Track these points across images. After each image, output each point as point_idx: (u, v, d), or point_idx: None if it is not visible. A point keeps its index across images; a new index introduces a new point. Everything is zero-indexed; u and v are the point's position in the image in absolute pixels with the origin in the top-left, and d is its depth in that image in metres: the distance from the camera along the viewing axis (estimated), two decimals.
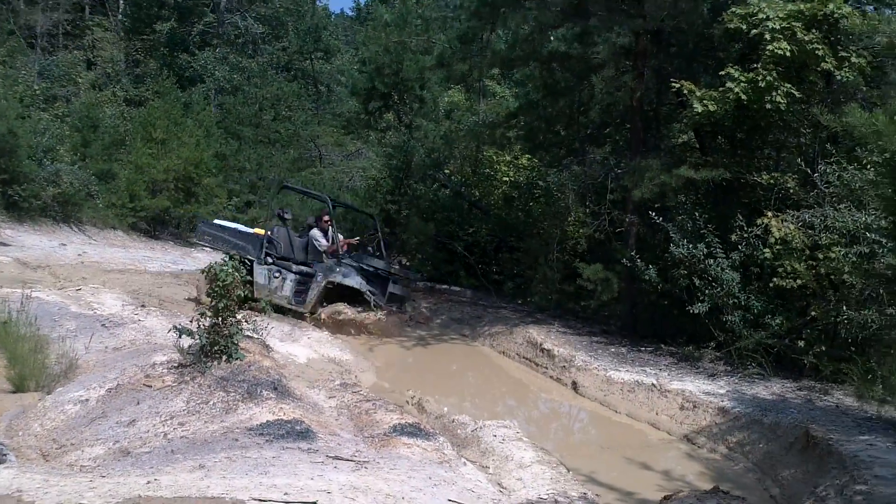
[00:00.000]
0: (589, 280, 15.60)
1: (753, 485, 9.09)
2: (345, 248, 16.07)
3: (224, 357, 8.84)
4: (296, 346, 12.76)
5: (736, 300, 12.73)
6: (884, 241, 11.08)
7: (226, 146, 28.66)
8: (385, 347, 15.04)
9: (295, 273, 15.60)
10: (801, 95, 13.27)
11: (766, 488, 8.97)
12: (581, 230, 17.71)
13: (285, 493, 5.19)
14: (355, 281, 15.36)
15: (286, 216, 16.89)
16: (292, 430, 7.15)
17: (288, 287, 15.45)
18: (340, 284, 15.46)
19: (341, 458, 6.42)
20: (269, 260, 15.58)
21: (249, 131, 30.49)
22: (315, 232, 16.59)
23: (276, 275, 15.46)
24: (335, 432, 7.59)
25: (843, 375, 10.96)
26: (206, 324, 8.90)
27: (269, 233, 16.11)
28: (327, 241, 16.41)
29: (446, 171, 22.75)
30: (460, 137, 22.69)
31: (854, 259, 11.51)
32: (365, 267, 15.62)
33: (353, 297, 15.50)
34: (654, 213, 14.18)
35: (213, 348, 8.82)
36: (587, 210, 17.93)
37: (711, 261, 12.98)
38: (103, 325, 11.37)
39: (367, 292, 15.23)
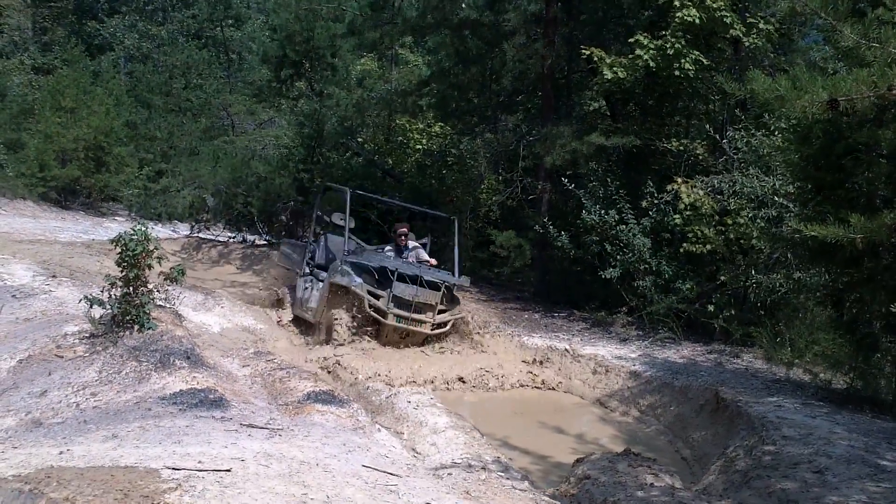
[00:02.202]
0: (502, 247, 15.64)
1: (665, 446, 9.21)
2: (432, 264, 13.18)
3: (136, 327, 8.70)
4: (209, 316, 12.54)
5: (647, 266, 12.88)
6: (790, 205, 11.29)
7: (136, 115, 28.02)
8: (300, 319, 14.86)
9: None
10: (710, 63, 13.42)
11: (678, 450, 9.10)
12: (494, 197, 17.70)
13: (199, 462, 5.09)
14: (351, 281, 12.27)
15: (338, 222, 13.71)
16: (206, 398, 7.03)
17: (315, 297, 13.07)
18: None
19: (255, 426, 6.32)
20: (307, 270, 13.71)
21: (160, 100, 29.81)
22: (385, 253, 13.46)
23: (307, 285, 13.35)
24: (249, 400, 7.50)
25: (752, 339, 11.16)
26: (118, 293, 8.75)
27: (312, 242, 14.26)
28: (402, 259, 13.21)
29: (359, 140, 22.53)
30: (373, 105, 22.47)
31: (762, 224, 11.72)
32: (371, 264, 12.48)
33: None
34: (566, 180, 14.22)
35: (124, 318, 8.67)
36: (500, 177, 17.94)
37: (623, 227, 13.10)
38: (13, 295, 11.03)
39: (367, 296, 12.00)
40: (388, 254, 13.25)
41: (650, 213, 13.14)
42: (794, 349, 9.84)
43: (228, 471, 5.03)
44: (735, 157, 13.05)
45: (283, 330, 13.41)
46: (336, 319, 12.10)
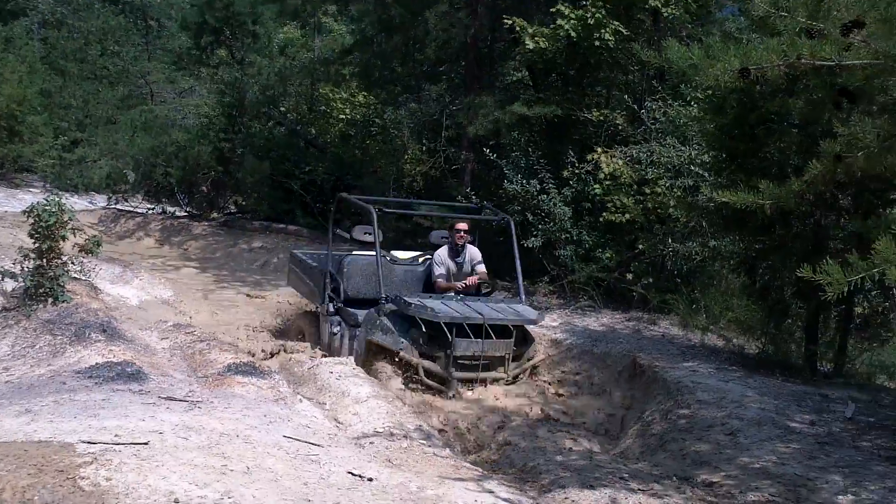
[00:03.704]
0: (425, 217, 15.64)
1: (585, 412, 9.33)
2: (469, 284, 10.50)
3: (50, 300, 8.67)
4: (127, 288, 12.37)
5: (568, 235, 13.00)
6: (706, 174, 11.51)
7: (50, 83, 27.31)
8: (221, 291, 14.77)
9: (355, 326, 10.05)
10: (629, 33, 13.55)
11: (597, 415, 9.24)
12: (417, 167, 17.68)
13: (116, 435, 5.07)
14: (396, 343, 9.16)
15: (363, 237, 10.78)
16: (123, 371, 6.98)
17: (346, 348, 10.10)
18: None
19: (174, 399, 6.31)
20: (331, 308, 10.46)
21: (75, 67, 29.13)
22: (438, 255, 10.71)
23: (335, 329, 10.29)
24: (168, 373, 7.47)
25: (669, 306, 11.35)
26: (31, 266, 8.62)
27: (330, 267, 10.75)
28: (455, 266, 10.70)
29: (282, 109, 22.32)
30: (295, 74, 22.28)
31: (678, 193, 11.93)
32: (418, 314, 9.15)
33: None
34: (488, 150, 14.28)
35: (38, 291, 8.64)
36: (423, 147, 17.93)
37: (544, 196, 13.18)
38: None
39: (421, 362, 9.05)
40: (439, 267, 10.49)
41: (571, 182, 13.25)
42: (708, 315, 10.05)
43: (146, 444, 5.02)
44: (653, 127, 13.23)
45: (206, 300, 13.30)
46: (381, 372, 9.17)
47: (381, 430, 7.05)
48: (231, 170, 20.78)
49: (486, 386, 9.16)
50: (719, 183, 9.36)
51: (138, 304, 11.70)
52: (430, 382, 9.00)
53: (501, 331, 9.24)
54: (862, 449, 6.81)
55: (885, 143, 5.37)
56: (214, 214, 21.10)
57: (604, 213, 12.72)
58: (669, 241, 12.07)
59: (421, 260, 11.38)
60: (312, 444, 5.88)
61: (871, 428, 7.39)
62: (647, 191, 12.53)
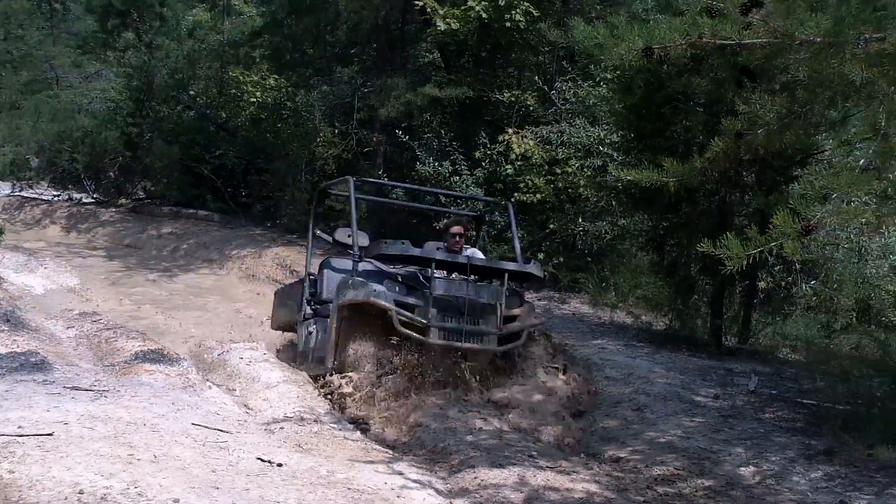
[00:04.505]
0: (338, 200, 15.54)
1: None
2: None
3: None
4: (32, 277, 12.14)
5: None
6: (614, 154, 11.66)
7: None
8: (129, 279, 14.52)
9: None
10: (540, 14, 13.62)
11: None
12: (330, 151, 17.52)
13: (19, 427, 4.96)
14: (369, 292, 7.81)
15: (345, 240, 9.02)
16: (27, 361, 6.85)
17: (324, 339, 8.53)
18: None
19: (80, 388, 6.20)
20: (309, 311, 9.10)
21: None
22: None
23: (311, 328, 8.88)
24: (73, 362, 7.34)
25: (580, 284, 11.49)
26: None
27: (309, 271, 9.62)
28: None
29: (191, 93, 21.97)
30: (204, 57, 21.92)
31: (588, 173, 12.07)
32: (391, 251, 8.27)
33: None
34: (400, 132, 14.29)
35: None
36: (335, 130, 17.78)
37: (457, 178, 13.22)
38: None
39: (394, 308, 7.62)
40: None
41: (483, 163, 13.31)
42: (618, 293, 10.23)
43: (51, 435, 4.91)
44: (563, 107, 13.35)
45: (111, 291, 13.03)
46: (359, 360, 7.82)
47: (291, 415, 7.01)
48: (139, 155, 20.42)
49: (478, 341, 7.72)
50: (627, 162, 9.50)
51: (43, 292, 11.50)
52: (405, 332, 7.55)
53: (490, 277, 8.19)
54: (764, 421, 7.01)
55: (783, 120, 5.49)
56: (123, 200, 20.72)
57: (516, 194, 12.79)
58: (580, 220, 12.22)
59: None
60: (221, 430, 5.81)
61: (774, 400, 7.61)
62: (558, 171, 12.65)
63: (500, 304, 7.74)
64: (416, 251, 8.13)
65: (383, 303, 7.60)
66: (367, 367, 7.61)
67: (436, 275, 7.83)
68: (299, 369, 8.45)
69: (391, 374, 7.63)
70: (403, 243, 8.37)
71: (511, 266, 8.10)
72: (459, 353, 7.61)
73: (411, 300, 7.80)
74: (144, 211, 19.72)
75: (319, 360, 8.30)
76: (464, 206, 11.59)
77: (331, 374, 7.94)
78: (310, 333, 8.85)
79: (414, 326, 7.56)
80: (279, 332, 10.18)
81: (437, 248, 8.78)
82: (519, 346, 7.84)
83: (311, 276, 9.34)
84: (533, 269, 8.23)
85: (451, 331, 7.64)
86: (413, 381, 7.58)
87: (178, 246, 17.45)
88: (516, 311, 7.98)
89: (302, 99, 18.24)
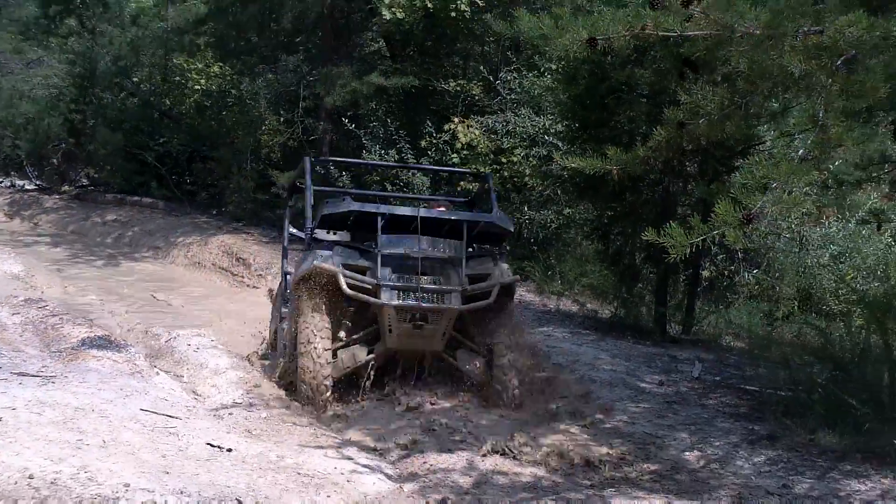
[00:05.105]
0: (283, 188, 15.50)
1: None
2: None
3: None
4: None
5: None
6: (559, 143, 11.77)
7: None
8: (74, 266, 14.36)
9: None
10: (485, 4, 13.67)
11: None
12: (275, 139, 17.45)
13: None
14: (315, 259, 7.14)
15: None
16: None
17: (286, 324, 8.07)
18: None
19: (27, 374, 6.20)
20: (285, 310, 8.41)
21: None
22: None
23: (284, 326, 8.22)
24: (20, 349, 7.32)
25: (526, 273, 11.58)
26: None
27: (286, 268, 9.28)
28: None
29: (135, 80, 21.74)
30: (148, 44, 21.69)
31: (534, 162, 12.16)
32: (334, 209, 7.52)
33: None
34: (346, 121, 14.28)
35: None
36: (281, 118, 17.71)
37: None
38: None
39: (340, 270, 6.95)
40: None
41: (429, 152, 13.36)
42: (563, 282, 10.33)
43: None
44: (509, 97, 13.44)
45: (56, 278, 12.88)
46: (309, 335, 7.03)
47: (240, 401, 7.02)
48: (83, 142, 20.20)
49: (438, 300, 6.97)
50: (572, 151, 9.60)
51: None
52: (354, 294, 6.89)
53: (450, 231, 7.24)
54: (708, 407, 7.15)
55: (725, 111, 5.58)
56: (66, 187, 20.53)
57: (461, 183, 12.86)
58: (526, 209, 12.29)
59: None
60: (170, 416, 5.83)
61: (717, 386, 7.76)
62: (504, 160, 12.73)
63: (462, 259, 7.06)
64: (359, 206, 7.32)
65: (329, 266, 6.95)
66: (321, 342, 6.98)
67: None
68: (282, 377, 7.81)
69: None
70: (344, 199, 7.60)
71: (468, 216, 7.49)
72: (418, 315, 6.93)
73: (364, 262, 7.07)
74: (88, 198, 19.55)
75: (289, 359, 7.59)
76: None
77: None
78: (282, 319, 8.37)
79: (366, 290, 6.95)
80: (228, 321, 10.28)
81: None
82: (489, 305, 7.06)
83: (287, 275, 8.88)
84: (497, 219, 7.38)
85: (405, 290, 6.94)
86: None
87: (122, 233, 17.32)
88: (487, 270, 7.25)
89: (247, 87, 18.16)
